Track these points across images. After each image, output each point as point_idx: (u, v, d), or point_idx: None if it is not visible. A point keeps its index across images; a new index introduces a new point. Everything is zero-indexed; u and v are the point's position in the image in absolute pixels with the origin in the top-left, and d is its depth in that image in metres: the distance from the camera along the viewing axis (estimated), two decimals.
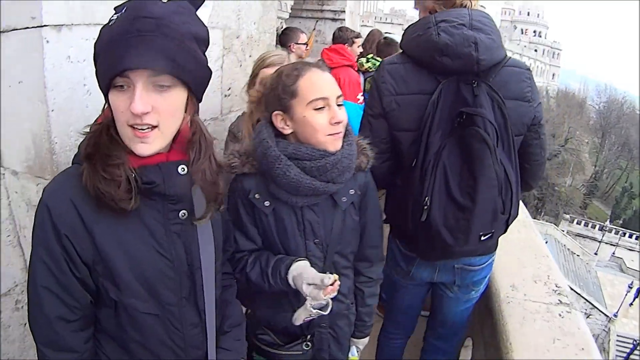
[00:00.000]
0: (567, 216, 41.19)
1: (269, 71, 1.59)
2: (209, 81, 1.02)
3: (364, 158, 1.43)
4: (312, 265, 1.36)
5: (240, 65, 2.44)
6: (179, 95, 0.94)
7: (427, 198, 1.44)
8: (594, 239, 38.30)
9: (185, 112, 0.99)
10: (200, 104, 1.05)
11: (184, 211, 1.05)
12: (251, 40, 2.54)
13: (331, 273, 1.34)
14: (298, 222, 1.38)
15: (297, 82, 1.29)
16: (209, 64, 1.00)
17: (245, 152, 1.38)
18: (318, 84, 1.29)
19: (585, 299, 25.02)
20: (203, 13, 2.01)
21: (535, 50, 68.47)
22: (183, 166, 1.02)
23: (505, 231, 1.55)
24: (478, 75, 1.45)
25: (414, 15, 1.75)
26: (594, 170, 50.47)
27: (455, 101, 1.45)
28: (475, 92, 1.44)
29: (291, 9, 4.20)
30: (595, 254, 34.83)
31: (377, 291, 1.62)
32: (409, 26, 1.60)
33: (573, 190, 46.94)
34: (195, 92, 0.99)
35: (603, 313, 25.13)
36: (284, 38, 3.66)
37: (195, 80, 0.96)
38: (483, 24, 1.46)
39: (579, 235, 38.11)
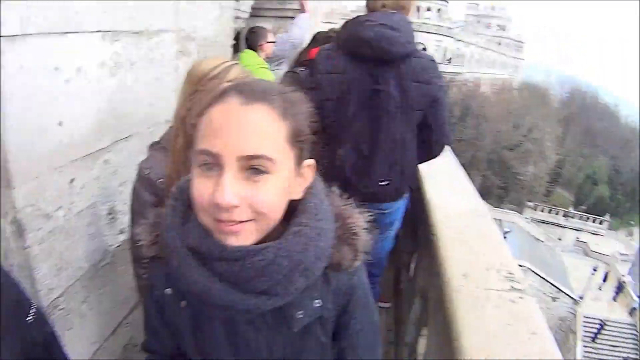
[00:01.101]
0: (531, 204, 42.52)
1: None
2: None
3: (349, 251, 0.85)
4: None
5: None
6: None
7: (341, 150, 2.02)
8: (559, 225, 39.60)
9: None
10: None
11: None
12: (207, 42, 2.53)
13: None
14: (228, 335, 0.87)
15: (204, 114, 0.74)
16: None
17: (157, 225, 0.86)
18: (216, 126, 0.71)
19: (552, 284, 25.86)
20: (155, 14, 2.00)
21: (499, 44, 69.86)
22: None
23: (402, 186, 2.16)
24: (387, 62, 1.94)
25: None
26: (557, 159, 51.82)
27: (369, 80, 1.97)
28: (382, 74, 1.95)
29: (251, 8, 4.17)
30: (559, 239, 36.04)
31: None
32: (345, 22, 2.07)
33: (536, 179, 48.02)
34: None
35: (569, 296, 26.01)
36: (254, 37, 3.62)
37: None
38: (397, 24, 1.92)
39: (543, 222, 39.37)
